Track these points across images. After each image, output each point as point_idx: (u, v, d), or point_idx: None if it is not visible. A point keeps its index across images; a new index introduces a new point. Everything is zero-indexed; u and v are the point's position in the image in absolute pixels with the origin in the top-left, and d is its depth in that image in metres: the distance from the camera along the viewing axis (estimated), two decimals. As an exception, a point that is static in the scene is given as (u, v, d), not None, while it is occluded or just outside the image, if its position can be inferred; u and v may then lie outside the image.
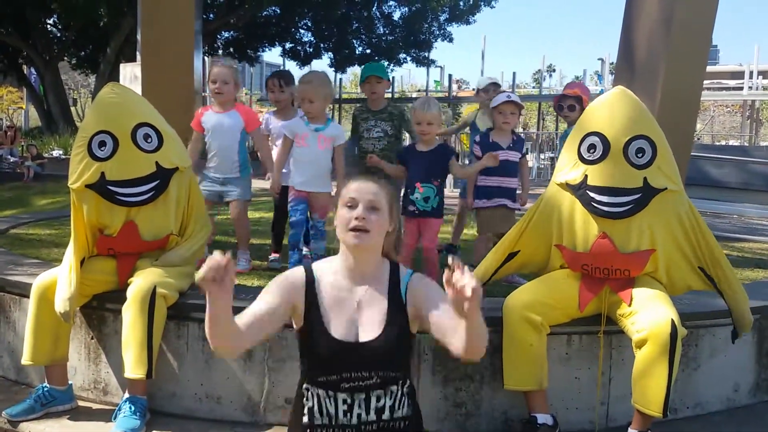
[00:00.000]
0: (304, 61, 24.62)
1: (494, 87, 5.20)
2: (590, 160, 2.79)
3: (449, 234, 4.83)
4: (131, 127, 3.01)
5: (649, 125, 2.78)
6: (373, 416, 1.95)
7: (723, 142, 28.98)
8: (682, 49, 4.65)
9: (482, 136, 4.04)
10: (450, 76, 22.31)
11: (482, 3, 23.48)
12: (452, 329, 1.86)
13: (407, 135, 4.56)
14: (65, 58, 24.42)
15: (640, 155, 2.73)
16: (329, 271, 2.04)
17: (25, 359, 2.94)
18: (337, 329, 1.95)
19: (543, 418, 2.72)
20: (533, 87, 36.93)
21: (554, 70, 36.70)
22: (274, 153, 4.00)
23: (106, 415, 2.89)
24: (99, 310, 3.11)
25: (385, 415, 1.96)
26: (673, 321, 2.53)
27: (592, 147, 2.78)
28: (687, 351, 2.97)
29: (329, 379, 1.94)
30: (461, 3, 23.47)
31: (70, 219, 3.05)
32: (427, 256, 3.63)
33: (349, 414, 1.94)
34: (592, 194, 2.78)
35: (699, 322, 3.05)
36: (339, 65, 24.68)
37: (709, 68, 11.16)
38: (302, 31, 24.60)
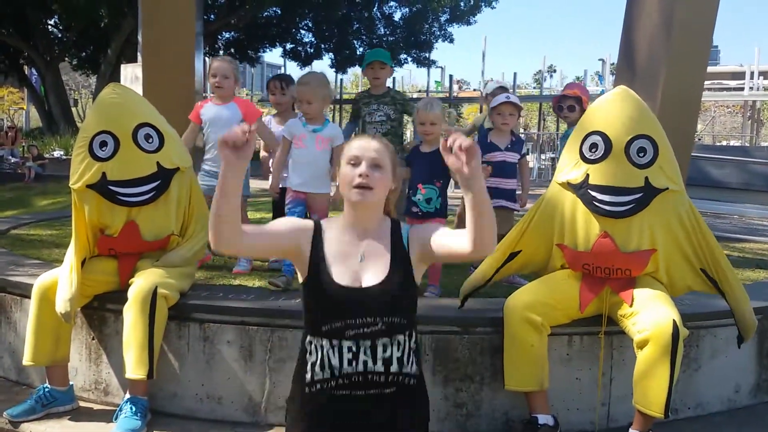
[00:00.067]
0: (304, 61, 24.60)
1: (502, 91, 5.19)
2: (592, 160, 2.79)
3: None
4: (132, 128, 3.02)
5: (651, 125, 2.78)
6: (380, 367, 1.91)
7: (724, 143, 28.95)
8: (682, 50, 4.65)
9: (481, 136, 4.03)
10: (451, 76, 22.33)
11: (483, 3, 23.45)
12: (455, 235, 1.90)
13: (409, 136, 4.56)
14: (66, 58, 24.40)
15: (641, 155, 2.73)
16: (334, 227, 2.05)
17: (26, 360, 2.95)
18: (341, 277, 1.95)
19: (544, 419, 2.72)
20: (534, 87, 36.94)
21: (555, 71, 36.74)
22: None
23: (107, 416, 2.89)
24: (100, 311, 3.12)
25: (393, 368, 1.92)
26: (675, 321, 2.53)
27: (593, 146, 2.78)
28: (688, 352, 2.96)
29: (333, 326, 1.92)
30: (462, 3, 23.42)
31: (71, 219, 3.05)
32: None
33: (354, 362, 1.90)
34: (593, 193, 2.78)
35: (700, 323, 3.05)
36: (340, 66, 24.66)
37: (710, 69, 11.19)
38: (303, 31, 24.58)
